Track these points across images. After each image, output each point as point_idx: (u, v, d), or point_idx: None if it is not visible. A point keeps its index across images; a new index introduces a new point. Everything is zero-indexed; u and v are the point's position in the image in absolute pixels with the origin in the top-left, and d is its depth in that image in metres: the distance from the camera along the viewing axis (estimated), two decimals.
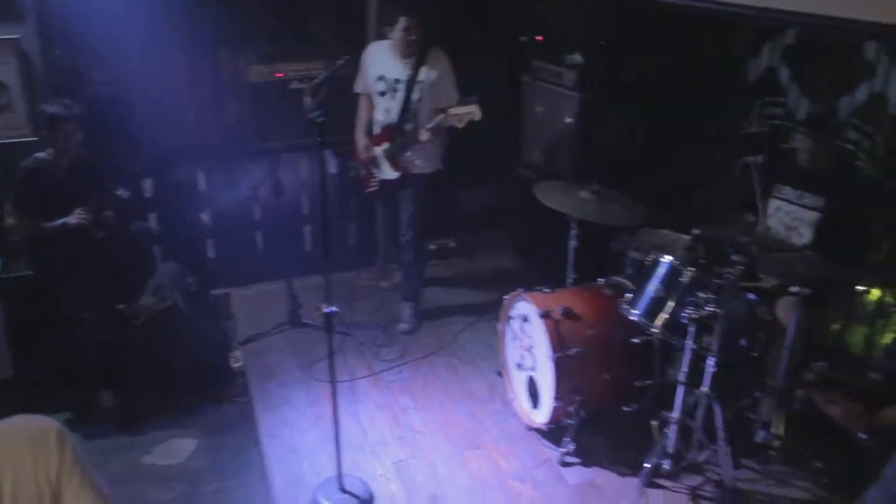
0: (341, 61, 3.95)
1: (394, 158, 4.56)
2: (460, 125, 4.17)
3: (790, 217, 3.77)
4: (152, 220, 5.03)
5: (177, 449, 3.91)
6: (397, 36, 4.36)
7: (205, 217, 5.23)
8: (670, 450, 3.45)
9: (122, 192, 4.38)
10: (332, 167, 5.28)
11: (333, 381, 3.29)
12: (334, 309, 3.22)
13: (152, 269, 4.65)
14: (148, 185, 5.02)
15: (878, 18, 2.51)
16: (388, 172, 4.63)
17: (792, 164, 3.77)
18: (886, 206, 4.00)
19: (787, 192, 3.79)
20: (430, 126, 4.28)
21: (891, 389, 3.66)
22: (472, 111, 4.11)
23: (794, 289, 3.41)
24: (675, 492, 3.45)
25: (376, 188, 4.79)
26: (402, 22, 4.31)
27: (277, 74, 5.07)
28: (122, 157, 4.64)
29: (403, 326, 4.89)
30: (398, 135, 4.50)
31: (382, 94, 4.52)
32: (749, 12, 3.26)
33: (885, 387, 3.69)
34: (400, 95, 4.46)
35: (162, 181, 5.07)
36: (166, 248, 5.08)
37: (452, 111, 4.16)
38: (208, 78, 5.19)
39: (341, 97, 4.69)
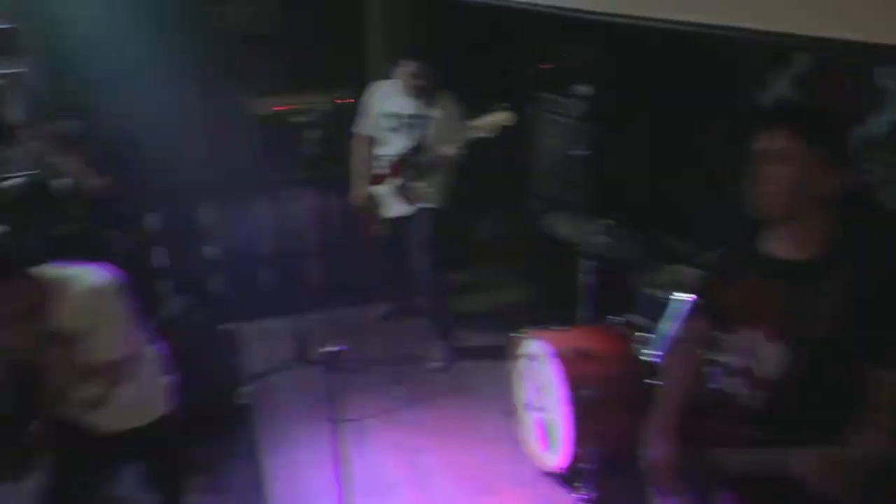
0: (339, 95, 3.97)
1: (405, 192, 4.50)
2: (490, 134, 4.18)
3: None
4: (162, 255, 4.97)
5: None
6: (405, 80, 4.38)
7: (211, 252, 5.17)
8: None
9: None
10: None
11: (336, 421, 3.16)
12: (342, 347, 3.09)
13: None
14: (155, 220, 4.95)
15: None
16: (398, 209, 4.58)
17: None
18: None
19: None
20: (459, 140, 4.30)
21: None
22: (504, 118, 4.15)
23: None
24: None
25: (382, 231, 4.73)
26: (409, 66, 4.33)
27: (276, 108, 5.10)
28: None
29: (435, 364, 4.76)
30: (410, 166, 4.46)
31: (395, 130, 4.50)
32: (757, 36, 3.13)
33: None
34: (416, 131, 4.43)
35: (170, 216, 5.01)
36: (176, 282, 5.00)
37: (478, 122, 4.17)
38: (215, 113, 5.17)
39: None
